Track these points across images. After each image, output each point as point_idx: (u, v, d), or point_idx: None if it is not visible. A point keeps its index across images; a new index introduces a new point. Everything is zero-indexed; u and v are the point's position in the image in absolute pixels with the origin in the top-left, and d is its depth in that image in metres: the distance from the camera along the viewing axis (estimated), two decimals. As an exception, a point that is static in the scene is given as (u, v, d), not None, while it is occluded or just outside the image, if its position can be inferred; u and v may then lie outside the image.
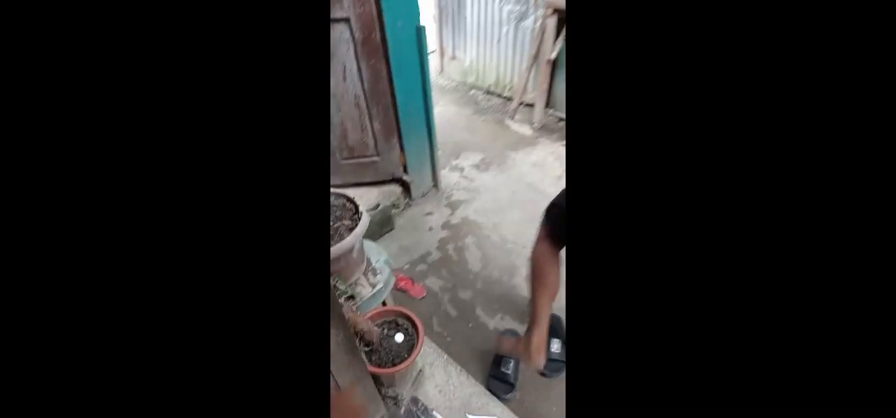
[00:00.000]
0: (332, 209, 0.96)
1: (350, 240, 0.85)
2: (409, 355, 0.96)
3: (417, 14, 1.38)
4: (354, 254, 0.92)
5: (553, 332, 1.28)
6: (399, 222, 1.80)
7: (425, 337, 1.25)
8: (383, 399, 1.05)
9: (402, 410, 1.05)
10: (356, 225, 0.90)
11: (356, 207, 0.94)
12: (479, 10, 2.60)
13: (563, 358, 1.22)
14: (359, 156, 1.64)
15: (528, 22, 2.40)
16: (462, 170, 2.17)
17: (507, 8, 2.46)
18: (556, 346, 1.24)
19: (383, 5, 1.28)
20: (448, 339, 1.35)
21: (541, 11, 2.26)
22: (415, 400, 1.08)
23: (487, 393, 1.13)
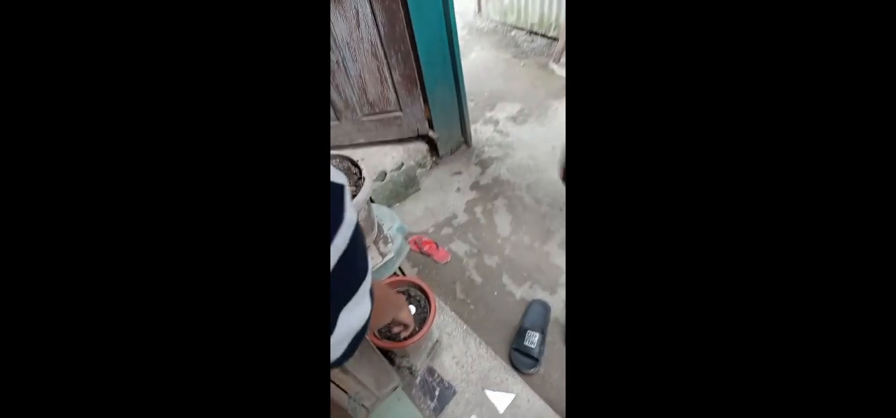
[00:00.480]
0: (336, 173, 0.88)
1: (354, 203, 0.78)
2: (420, 328, 0.90)
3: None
4: (361, 222, 0.85)
5: (533, 325, 1.16)
6: (425, 183, 1.72)
7: (445, 306, 1.19)
8: (398, 369, 1.03)
9: (418, 380, 1.03)
10: (360, 188, 0.82)
11: (360, 170, 0.85)
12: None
13: (538, 356, 1.10)
14: (380, 112, 1.54)
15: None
16: (497, 123, 1.98)
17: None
18: (534, 339, 1.12)
19: (396, -68, 1.10)
20: (471, 307, 1.29)
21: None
22: (430, 371, 1.04)
23: (508, 367, 1.06)
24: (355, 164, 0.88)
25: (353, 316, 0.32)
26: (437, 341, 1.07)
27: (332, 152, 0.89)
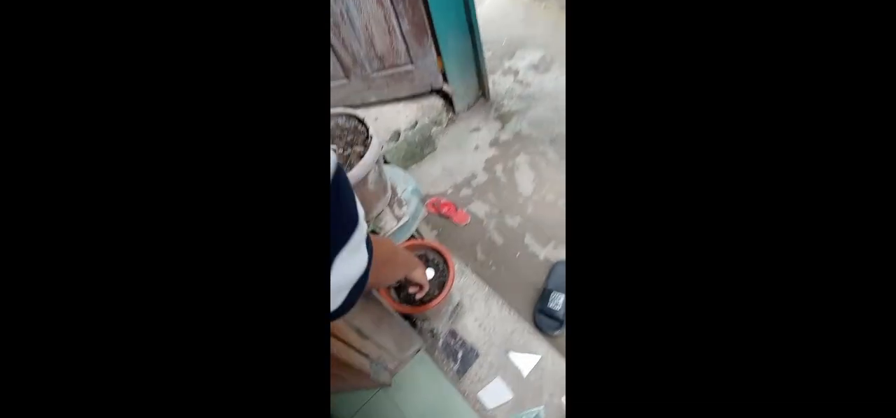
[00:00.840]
0: (343, 132, 0.82)
1: (359, 169, 0.72)
2: (440, 292, 0.87)
3: None
4: (371, 185, 0.80)
5: (558, 286, 1.09)
6: (441, 141, 1.63)
7: (466, 269, 1.16)
8: (420, 332, 1.01)
9: (440, 343, 1.01)
10: (367, 148, 0.76)
11: (367, 129, 0.79)
12: None
13: (563, 318, 1.04)
14: (390, 67, 1.44)
15: None
16: (516, 73, 1.83)
17: None
18: (559, 301, 1.05)
19: None
20: (493, 268, 1.25)
21: None
22: (453, 333, 1.02)
23: (531, 328, 1.03)
24: (362, 122, 0.81)
25: (348, 266, 0.32)
26: (458, 304, 1.05)
27: (339, 110, 0.83)
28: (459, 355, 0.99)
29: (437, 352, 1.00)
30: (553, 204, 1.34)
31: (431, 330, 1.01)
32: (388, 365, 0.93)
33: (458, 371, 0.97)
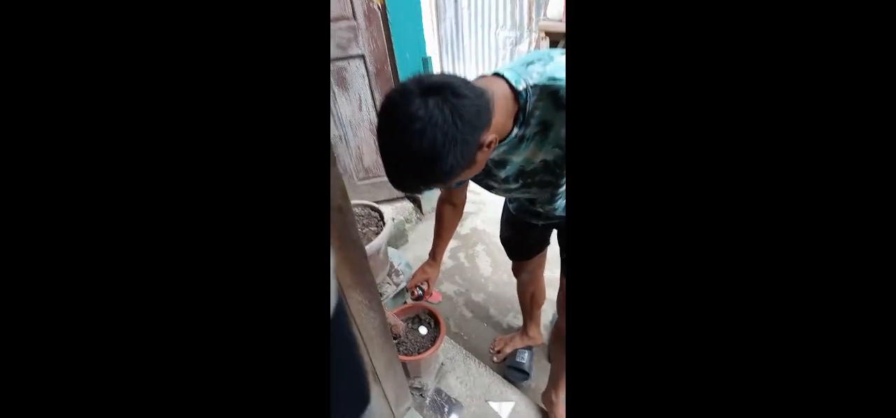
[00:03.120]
0: (359, 218, 1.09)
1: (377, 241, 0.98)
2: (432, 345, 1.06)
3: (423, 46, 1.56)
4: (380, 256, 1.05)
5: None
6: (412, 236, 1.93)
7: (446, 337, 1.35)
8: (411, 391, 1.14)
9: (427, 401, 1.15)
10: (381, 230, 1.03)
11: (381, 215, 1.07)
12: (476, 40, 2.81)
13: (529, 370, 1.28)
14: (374, 177, 1.79)
15: (523, 46, 2.59)
16: (469, 185, 2.31)
17: (502, 35, 2.67)
18: (524, 356, 1.30)
19: (393, 40, 1.46)
20: (465, 338, 1.45)
21: (534, 35, 2.45)
22: (438, 391, 1.17)
23: (505, 381, 1.22)
24: (376, 209, 1.10)
25: None
26: (441, 364, 1.22)
27: (357, 201, 1.10)
28: (446, 409, 1.13)
29: (425, 410, 1.13)
30: (509, 282, 1.65)
31: (419, 389, 1.15)
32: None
33: (446, 423, 1.10)
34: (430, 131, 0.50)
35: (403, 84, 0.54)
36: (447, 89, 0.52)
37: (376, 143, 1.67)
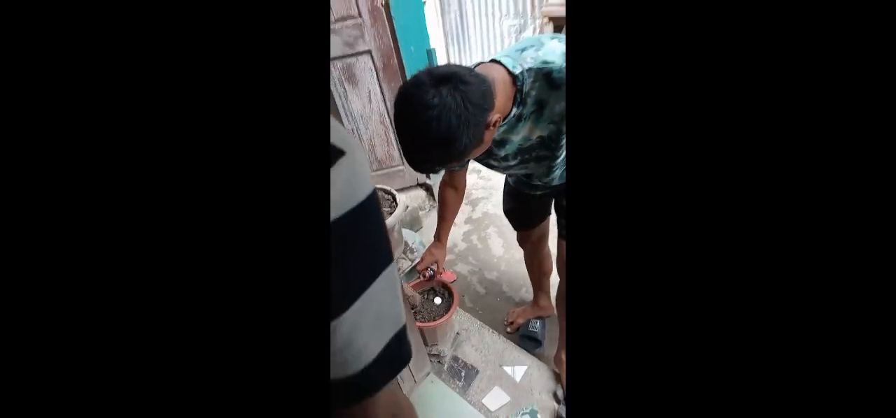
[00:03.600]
0: (374, 199, 1.18)
1: (391, 220, 1.06)
2: (447, 313, 1.14)
3: (427, 38, 1.64)
4: (395, 235, 1.13)
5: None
6: (426, 222, 2.02)
7: (460, 310, 1.43)
8: (429, 357, 1.23)
9: (445, 366, 1.23)
10: (394, 210, 1.11)
11: (393, 196, 1.15)
12: (481, 30, 2.86)
13: (541, 338, 1.34)
14: (386, 167, 1.88)
15: (527, 33, 2.63)
16: (480, 172, 2.37)
17: (506, 23, 2.71)
18: (536, 325, 1.36)
19: (398, 35, 1.54)
20: (480, 312, 1.52)
21: (538, 21, 2.48)
22: (455, 358, 1.25)
23: (518, 348, 1.28)
24: (388, 192, 1.18)
25: (388, 304, 0.27)
26: (457, 333, 1.30)
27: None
28: (463, 374, 1.21)
29: (443, 374, 1.21)
30: (519, 261, 1.70)
31: (437, 356, 1.23)
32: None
33: (463, 387, 1.18)
34: (446, 116, 0.58)
35: (415, 77, 0.61)
36: (455, 78, 0.60)
37: (394, 132, 1.77)
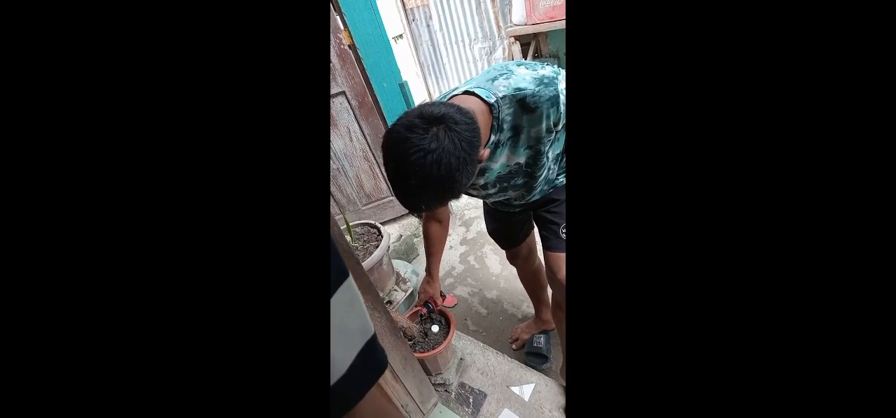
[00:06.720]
0: (360, 237, 1.18)
1: (377, 253, 1.06)
2: (445, 340, 1.12)
3: (398, 73, 1.68)
4: (384, 267, 1.13)
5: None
6: (421, 249, 2.01)
7: (462, 333, 1.40)
8: (435, 388, 1.19)
9: (452, 394, 1.19)
10: (380, 243, 1.11)
11: (379, 230, 1.16)
12: (454, 56, 2.96)
13: (547, 353, 1.31)
14: (376, 200, 1.90)
15: (498, 54, 2.71)
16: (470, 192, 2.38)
17: (477, 47, 2.81)
18: (541, 341, 1.34)
19: (369, 74, 1.59)
20: (483, 334, 1.49)
21: (506, 42, 2.57)
22: (462, 385, 1.21)
23: (524, 366, 1.25)
24: (373, 226, 1.19)
25: (346, 316, 0.28)
26: (461, 359, 1.26)
27: (357, 221, 1.19)
28: (471, 400, 1.17)
29: (451, 402, 1.17)
30: (518, 276, 1.69)
31: (443, 384, 1.19)
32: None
33: (472, 413, 1.14)
34: (446, 159, 0.58)
35: (406, 119, 0.61)
36: (447, 118, 0.60)
37: (380, 167, 1.79)
